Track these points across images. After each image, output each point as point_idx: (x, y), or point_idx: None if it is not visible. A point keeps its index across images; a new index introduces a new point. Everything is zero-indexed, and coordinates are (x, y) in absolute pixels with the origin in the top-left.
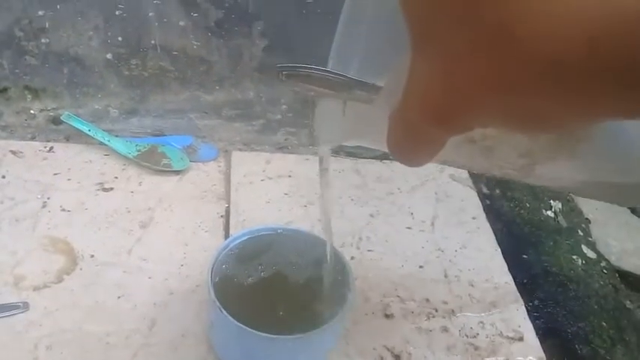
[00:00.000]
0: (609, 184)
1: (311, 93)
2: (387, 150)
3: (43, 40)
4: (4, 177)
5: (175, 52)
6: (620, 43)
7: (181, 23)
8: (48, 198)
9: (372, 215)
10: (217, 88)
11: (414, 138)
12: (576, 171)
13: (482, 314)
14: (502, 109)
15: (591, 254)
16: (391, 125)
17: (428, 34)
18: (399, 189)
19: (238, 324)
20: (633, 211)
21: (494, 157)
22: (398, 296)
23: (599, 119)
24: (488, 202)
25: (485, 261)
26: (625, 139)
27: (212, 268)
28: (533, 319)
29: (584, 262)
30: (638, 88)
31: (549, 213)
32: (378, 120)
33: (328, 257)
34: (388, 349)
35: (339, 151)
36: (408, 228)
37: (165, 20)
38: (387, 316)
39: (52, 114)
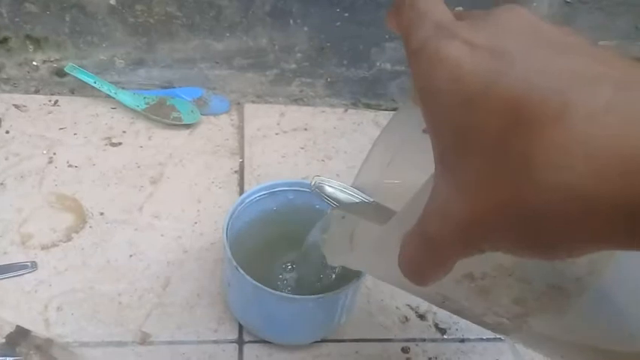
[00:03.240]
0: (595, 350)
1: (333, 206)
2: (387, 280)
3: None
4: (7, 132)
5: None
6: (631, 179)
7: None
8: (54, 153)
9: None
10: (228, 35)
11: (427, 254)
12: (564, 329)
13: None
14: (518, 233)
15: None
16: (406, 241)
17: (453, 159)
18: None
19: (256, 283)
20: None
21: (489, 300)
22: None
23: (607, 248)
24: None
25: None
26: (613, 305)
27: (227, 226)
28: None
29: None
30: None
31: None
32: (385, 248)
33: None
34: (412, 309)
35: (356, 103)
36: None
37: None
38: None
39: (55, 65)
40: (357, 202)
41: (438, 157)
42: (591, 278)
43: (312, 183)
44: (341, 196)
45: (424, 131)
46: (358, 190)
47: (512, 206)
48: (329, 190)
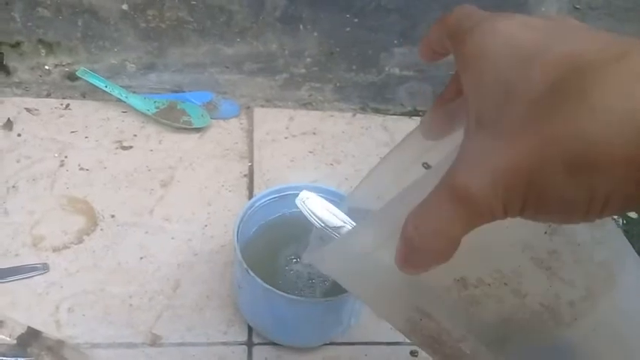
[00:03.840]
0: None
1: (314, 222)
2: (358, 290)
3: None
4: (19, 135)
5: (194, 2)
6: None
7: None
8: (65, 157)
9: None
10: (238, 40)
11: (451, 212)
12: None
13: None
14: (561, 170)
15: None
16: (418, 209)
17: (496, 112)
18: None
19: (266, 286)
20: None
21: (475, 314)
22: None
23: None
24: None
25: None
26: (594, 351)
27: (238, 229)
28: None
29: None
30: None
31: None
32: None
33: None
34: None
35: (365, 107)
36: None
37: None
38: None
39: (67, 69)
40: (339, 227)
41: (476, 117)
42: (585, 305)
43: (299, 198)
44: (325, 215)
45: (423, 165)
46: (345, 212)
47: (563, 137)
48: (314, 208)
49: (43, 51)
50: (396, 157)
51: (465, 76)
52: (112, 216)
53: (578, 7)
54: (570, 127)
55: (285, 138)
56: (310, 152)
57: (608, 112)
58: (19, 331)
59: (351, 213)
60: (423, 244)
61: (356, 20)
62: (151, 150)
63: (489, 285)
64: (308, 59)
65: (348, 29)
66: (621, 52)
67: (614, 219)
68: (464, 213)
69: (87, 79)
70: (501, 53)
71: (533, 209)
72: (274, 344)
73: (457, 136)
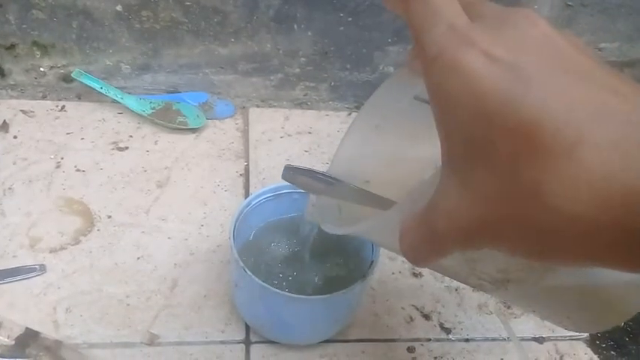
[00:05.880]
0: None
1: (312, 192)
2: (379, 243)
3: None
4: (15, 137)
5: (188, 3)
6: (632, 208)
7: None
8: (62, 158)
9: None
10: (232, 40)
11: (429, 244)
12: (542, 294)
13: None
14: (521, 242)
15: None
16: (409, 228)
17: (462, 167)
18: None
19: (263, 284)
20: None
21: (476, 267)
22: None
23: (604, 267)
24: None
25: None
26: (589, 278)
27: (234, 228)
28: None
29: None
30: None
31: None
32: (383, 232)
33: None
34: (417, 309)
35: (360, 106)
36: None
37: None
38: (415, 274)
39: (62, 71)
40: (334, 187)
41: (447, 160)
42: None
43: (283, 173)
44: (318, 180)
45: (415, 98)
46: (330, 173)
47: (519, 221)
48: (306, 177)
49: (37, 53)
50: (386, 93)
51: (432, 104)
52: (109, 216)
53: (570, 4)
54: (525, 216)
55: (281, 137)
56: (306, 151)
57: (558, 215)
58: (18, 332)
59: (340, 163)
60: (410, 259)
61: (350, 19)
62: (147, 151)
63: (482, 251)
64: (302, 59)
65: (342, 28)
66: (574, 141)
67: None
68: (441, 249)
69: (82, 80)
70: (463, 103)
71: (505, 253)
72: (272, 342)
73: None
